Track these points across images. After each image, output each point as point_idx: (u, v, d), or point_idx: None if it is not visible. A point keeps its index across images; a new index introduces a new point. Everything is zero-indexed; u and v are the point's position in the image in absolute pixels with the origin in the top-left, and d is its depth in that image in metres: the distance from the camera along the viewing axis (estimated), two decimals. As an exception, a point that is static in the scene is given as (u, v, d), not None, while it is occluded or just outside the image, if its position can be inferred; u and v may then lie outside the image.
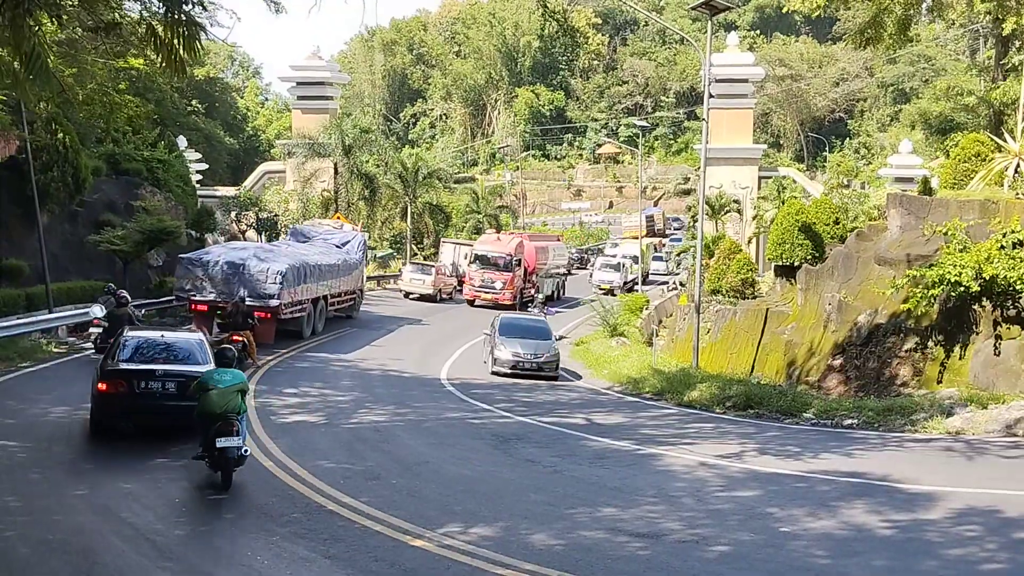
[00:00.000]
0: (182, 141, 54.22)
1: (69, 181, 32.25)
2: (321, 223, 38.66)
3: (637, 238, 59.34)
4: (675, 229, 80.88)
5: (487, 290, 42.36)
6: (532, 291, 46.02)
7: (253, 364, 21.63)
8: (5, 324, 24.28)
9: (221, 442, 11.27)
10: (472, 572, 8.71)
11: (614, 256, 59.13)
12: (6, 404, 16.51)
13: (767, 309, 28.50)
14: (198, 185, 53.70)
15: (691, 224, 62.31)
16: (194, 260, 26.23)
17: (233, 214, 54.05)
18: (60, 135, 30.72)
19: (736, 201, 58.22)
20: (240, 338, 21.06)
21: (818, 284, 26.46)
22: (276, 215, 52.40)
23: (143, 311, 26.41)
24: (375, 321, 34.01)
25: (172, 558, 9.02)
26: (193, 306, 25.61)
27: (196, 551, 9.34)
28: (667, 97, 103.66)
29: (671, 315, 36.62)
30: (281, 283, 25.22)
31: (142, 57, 23.37)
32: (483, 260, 43.05)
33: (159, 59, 10.10)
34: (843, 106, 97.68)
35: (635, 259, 56.08)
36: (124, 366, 13.64)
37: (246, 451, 11.70)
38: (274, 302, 25.03)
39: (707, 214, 45.10)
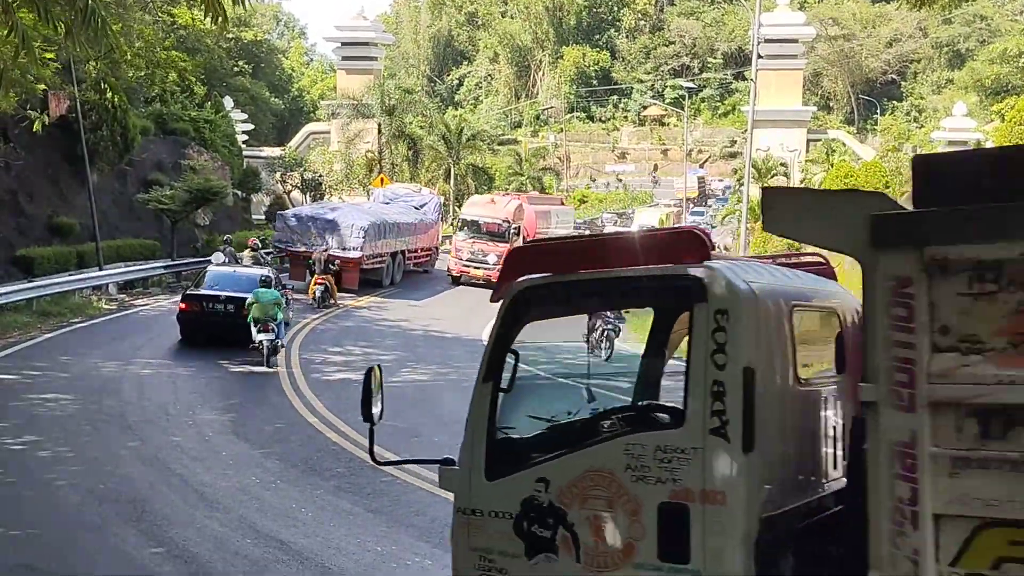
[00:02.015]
0: (228, 102, 54.57)
1: (118, 140, 32.66)
2: (403, 187, 39.88)
3: (684, 200, 58.70)
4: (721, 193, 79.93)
5: (478, 265, 32.85)
6: None
7: (334, 303, 24.90)
8: (57, 280, 24.79)
9: (260, 336, 16.40)
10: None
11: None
12: (58, 359, 16.90)
13: (813, 273, 28.20)
14: (244, 145, 54.12)
15: (736, 187, 61.55)
16: (290, 216, 29.95)
17: (278, 174, 54.42)
18: (109, 94, 31.02)
19: (783, 164, 57.41)
20: (323, 281, 24.58)
21: (866, 248, 26.11)
22: (320, 176, 52.65)
23: (271, 256, 29.90)
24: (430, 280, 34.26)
25: (219, 508, 9.21)
26: (288, 254, 28.99)
27: (242, 502, 9.52)
28: (714, 58, 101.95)
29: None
30: (363, 237, 28.02)
31: (188, 12, 23.45)
32: (473, 227, 34.26)
33: (205, 13, 10.09)
34: (896, 67, 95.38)
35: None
36: (198, 292, 18.58)
37: (282, 344, 17.19)
38: (356, 253, 27.79)
39: (753, 177, 44.44)
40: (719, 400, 3.86)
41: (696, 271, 4.02)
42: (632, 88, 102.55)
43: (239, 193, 42.20)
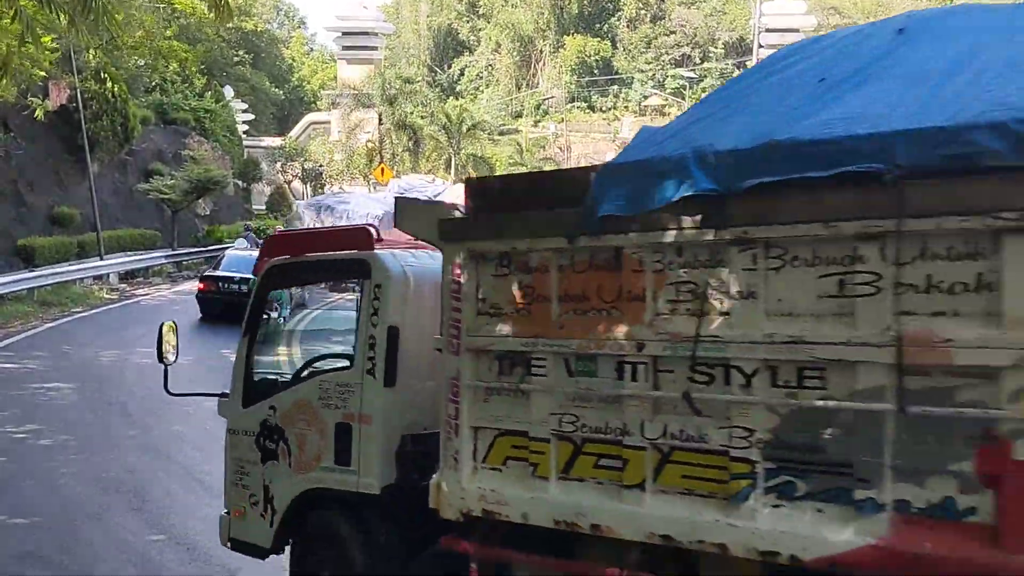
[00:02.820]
0: (229, 91, 54.50)
1: (118, 130, 32.68)
2: (419, 178, 40.22)
3: None
4: None
5: None
6: None
7: None
8: (58, 270, 24.84)
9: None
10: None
11: None
12: (60, 348, 16.95)
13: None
14: (244, 135, 54.11)
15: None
16: (312, 204, 31.65)
17: (279, 164, 54.42)
18: (109, 84, 31.08)
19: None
20: None
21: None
22: (321, 166, 52.65)
23: None
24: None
25: (219, 496, 9.24)
26: None
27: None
28: (716, 48, 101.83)
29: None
30: (376, 224, 29.06)
31: (188, 1, 23.40)
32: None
33: (210, 8, 10.09)
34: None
35: None
36: (216, 273, 20.58)
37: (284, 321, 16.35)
38: None
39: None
40: (372, 349, 5.39)
41: (364, 255, 5.55)
42: (633, 78, 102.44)
43: (239, 183, 42.24)
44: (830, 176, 3.67)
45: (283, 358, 6.78)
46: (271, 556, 6.11)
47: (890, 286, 3.65)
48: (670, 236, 4.18)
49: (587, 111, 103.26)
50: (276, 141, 61.87)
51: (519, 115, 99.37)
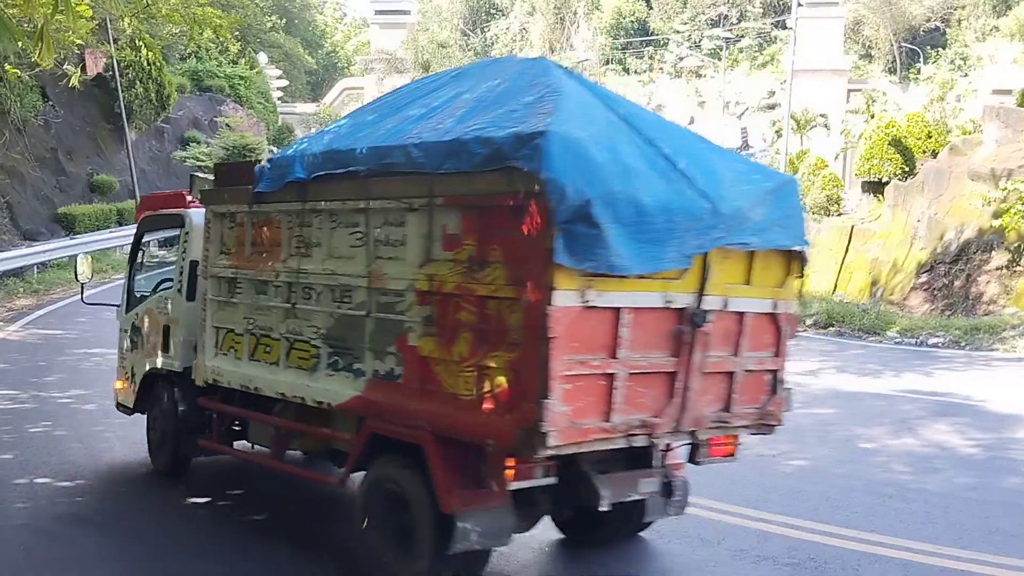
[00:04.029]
0: (262, 58, 54.58)
1: (154, 98, 32.91)
2: None
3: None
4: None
5: None
6: None
7: None
8: (98, 238, 25.19)
9: None
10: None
11: None
12: (102, 314, 17.18)
13: (852, 226, 27.84)
14: (279, 102, 54.22)
15: (775, 139, 60.51)
16: None
17: (313, 131, 54.57)
18: (145, 52, 31.23)
19: (823, 115, 56.39)
20: None
21: (907, 200, 25.67)
22: (355, 131, 52.63)
23: None
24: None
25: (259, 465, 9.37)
26: None
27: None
28: (753, 7, 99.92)
29: (752, 232, 36.04)
30: None
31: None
32: None
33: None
34: (940, 14, 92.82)
35: None
36: None
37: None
38: None
39: (792, 129, 43.70)
40: (181, 275, 8.10)
41: (181, 212, 8.26)
42: (668, 39, 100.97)
43: (274, 150, 42.35)
44: (345, 172, 5.97)
45: (147, 281, 9.24)
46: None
47: (369, 242, 5.92)
48: (285, 206, 6.59)
49: (622, 73, 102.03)
50: (310, 107, 62.01)
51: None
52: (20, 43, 11.51)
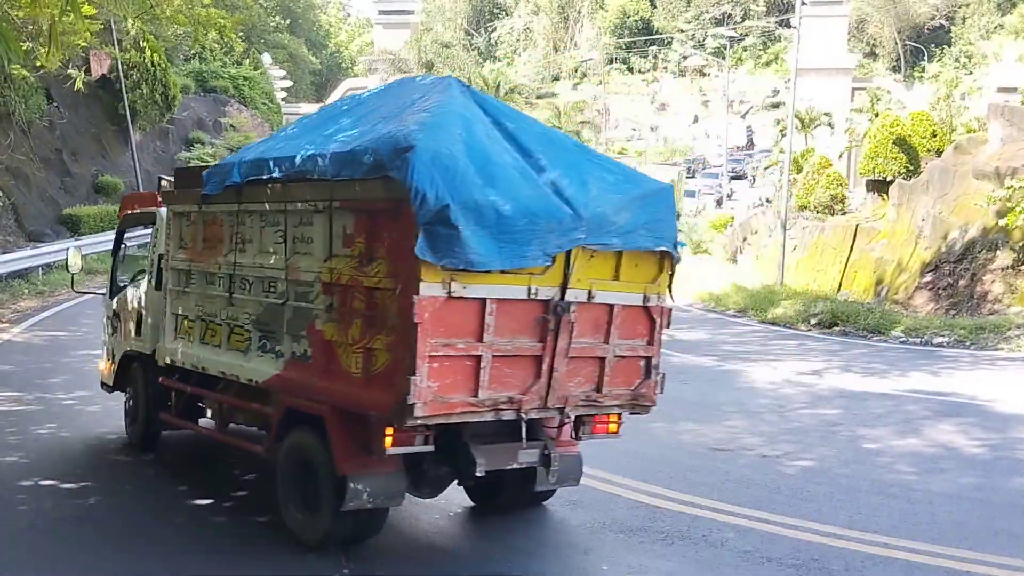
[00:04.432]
0: (267, 58, 54.63)
1: (159, 99, 32.94)
2: None
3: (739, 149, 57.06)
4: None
5: None
6: None
7: None
8: (104, 239, 25.19)
9: None
10: (552, 481, 8.85)
11: None
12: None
13: (857, 225, 27.79)
14: (283, 102, 54.23)
15: (779, 139, 60.34)
16: None
17: (317, 131, 54.52)
18: (149, 53, 31.27)
19: (827, 114, 56.30)
20: None
21: (911, 199, 25.62)
22: (359, 132, 52.69)
23: None
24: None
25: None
26: None
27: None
28: (757, 5, 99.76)
29: (756, 232, 35.97)
30: None
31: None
32: None
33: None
34: (944, 12, 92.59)
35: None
36: None
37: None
38: None
39: (796, 128, 43.56)
40: (151, 267, 8.99)
41: (153, 210, 9.07)
42: (672, 38, 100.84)
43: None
44: (270, 178, 6.82)
45: (127, 271, 10.05)
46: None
47: (287, 239, 6.78)
48: (225, 207, 7.44)
49: (626, 72, 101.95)
50: (314, 108, 61.96)
51: (556, 78, 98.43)
52: (22, 51, 11.56)
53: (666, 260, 6.77)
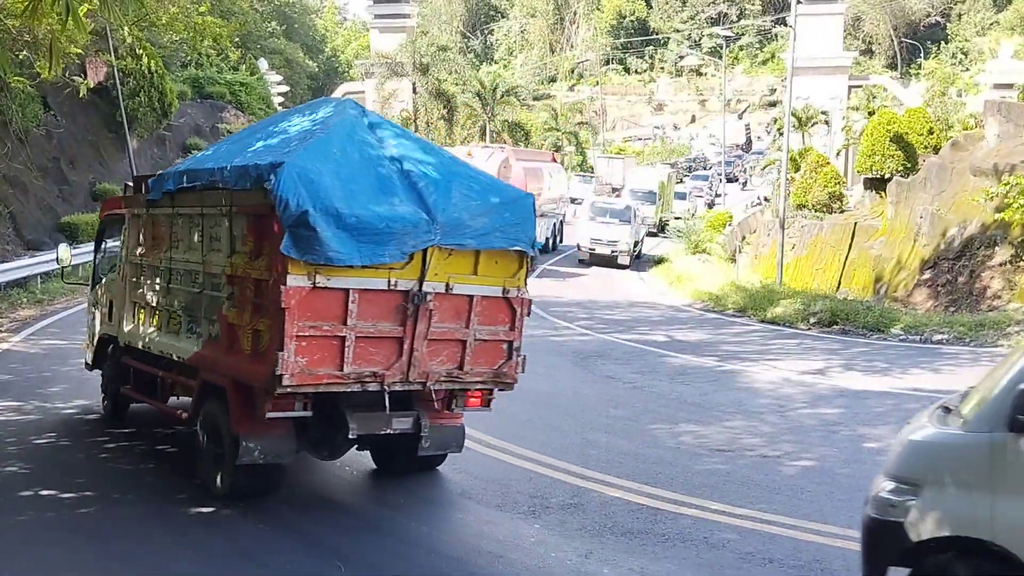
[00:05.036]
0: (263, 64, 54.58)
1: (156, 106, 32.91)
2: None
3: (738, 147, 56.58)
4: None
5: None
6: None
7: None
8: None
9: None
10: (552, 483, 8.86)
11: (616, 196, 40.69)
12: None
13: (855, 223, 27.79)
14: (280, 107, 54.18)
15: (776, 137, 60.25)
16: None
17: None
18: (145, 60, 31.25)
19: (824, 112, 56.26)
20: None
21: (909, 197, 25.62)
22: (357, 136, 52.63)
23: None
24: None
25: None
26: None
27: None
28: (752, 4, 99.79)
29: (754, 231, 35.97)
30: None
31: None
32: None
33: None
34: (940, 9, 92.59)
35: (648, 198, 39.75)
36: None
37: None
38: None
39: (793, 126, 43.49)
40: (120, 262, 10.06)
41: (121, 212, 10.17)
42: (668, 38, 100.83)
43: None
44: (192, 186, 8.16)
45: (106, 265, 11.06)
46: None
47: (204, 238, 8.05)
48: (164, 210, 8.82)
49: (622, 73, 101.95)
50: (311, 112, 61.88)
51: (553, 79, 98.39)
52: (10, 65, 11.70)
53: (524, 258, 7.94)
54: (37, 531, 7.26)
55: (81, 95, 26.20)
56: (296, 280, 6.83)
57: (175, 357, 8.53)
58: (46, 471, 8.84)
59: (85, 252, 23.85)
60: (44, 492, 8.19)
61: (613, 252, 32.83)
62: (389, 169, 7.48)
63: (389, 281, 7.23)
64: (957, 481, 5.01)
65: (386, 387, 7.36)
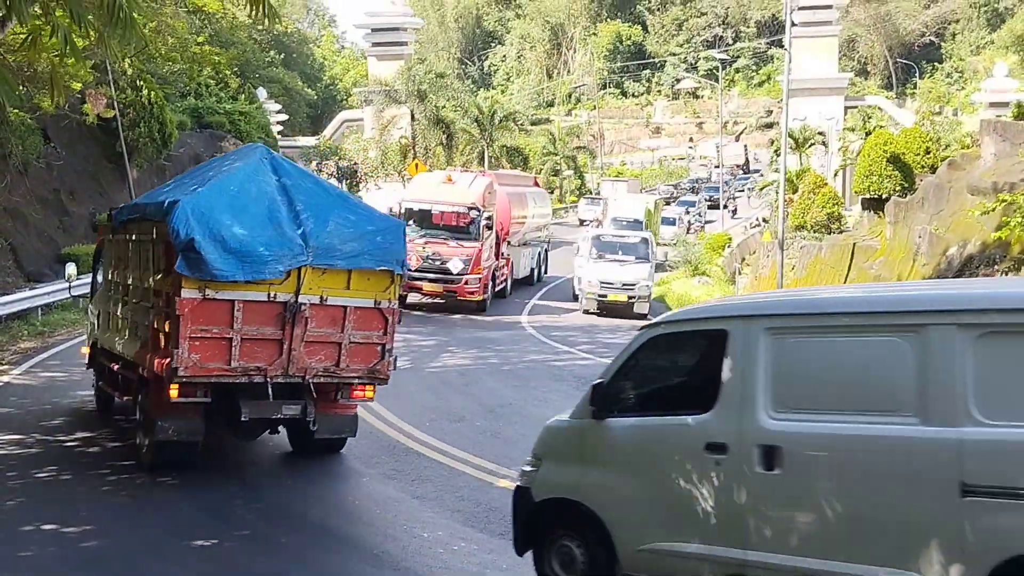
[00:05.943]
0: (262, 93, 54.86)
1: (156, 136, 33.01)
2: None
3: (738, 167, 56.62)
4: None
5: (434, 275, 23.79)
6: (506, 272, 27.77)
7: None
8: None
9: None
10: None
11: (621, 221, 36.53)
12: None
13: (854, 244, 27.83)
14: (279, 136, 54.41)
15: (773, 158, 60.36)
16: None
17: (314, 163, 54.65)
18: (145, 92, 31.42)
19: (821, 133, 56.50)
20: None
21: (908, 216, 25.67)
22: (356, 163, 52.87)
23: None
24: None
25: (263, 500, 9.38)
26: None
27: (288, 493, 9.67)
28: (748, 27, 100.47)
29: (754, 252, 36.01)
30: None
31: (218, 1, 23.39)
32: (425, 220, 24.50)
33: (249, 11, 10.18)
34: (934, 29, 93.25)
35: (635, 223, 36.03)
36: None
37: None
38: None
39: (790, 147, 43.65)
40: (104, 279, 12.34)
41: (103, 237, 12.77)
42: (665, 62, 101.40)
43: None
44: (136, 217, 10.46)
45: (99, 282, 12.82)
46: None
47: (141, 260, 10.16)
48: (121, 237, 11.08)
49: (619, 97, 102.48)
50: (310, 140, 62.19)
51: (551, 104, 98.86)
52: (18, 92, 11.96)
53: (394, 275, 9.69)
54: (40, 566, 7.23)
55: (91, 120, 26.27)
56: (188, 292, 8.70)
57: (127, 356, 10.31)
58: (48, 505, 8.81)
59: (83, 284, 23.93)
60: (46, 527, 8.16)
61: (631, 298, 25.49)
62: (277, 202, 9.22)
63: (269, 294, 9.00)
64: (560, 457, 6.57)
65: (268, 379, 9.08)
